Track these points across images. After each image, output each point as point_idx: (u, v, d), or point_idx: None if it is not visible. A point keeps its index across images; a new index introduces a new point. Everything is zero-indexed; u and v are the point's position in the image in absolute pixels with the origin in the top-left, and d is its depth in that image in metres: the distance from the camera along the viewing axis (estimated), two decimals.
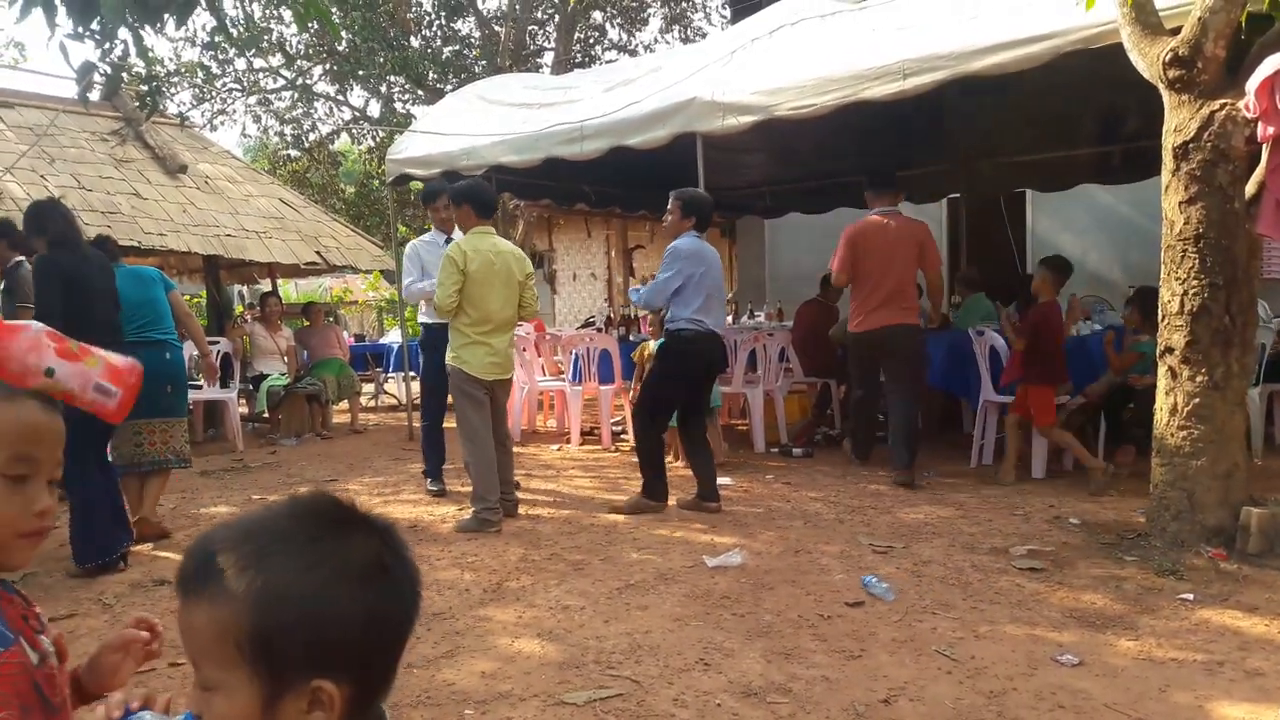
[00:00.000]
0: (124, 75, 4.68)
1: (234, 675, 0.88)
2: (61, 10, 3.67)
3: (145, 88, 5.10)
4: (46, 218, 4.80)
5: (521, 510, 5.77)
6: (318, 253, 10.30)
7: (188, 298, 15.74)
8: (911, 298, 6.45)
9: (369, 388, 12.25)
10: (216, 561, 0.90)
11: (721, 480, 6.41)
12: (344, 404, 10.32)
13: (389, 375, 12.45)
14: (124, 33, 3.99)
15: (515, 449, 8.17)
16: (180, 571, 0.92)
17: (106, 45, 4.04)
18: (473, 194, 5.60)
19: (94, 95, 4.67)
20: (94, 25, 3.75)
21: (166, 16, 3.82)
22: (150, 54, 4.40)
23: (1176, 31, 4.47)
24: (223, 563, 0.89)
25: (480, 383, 5.45)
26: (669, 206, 5.77)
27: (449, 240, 6.18)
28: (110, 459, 5.10)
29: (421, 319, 6.54)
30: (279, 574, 0.88)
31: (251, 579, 0.88)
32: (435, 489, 6.35)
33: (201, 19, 14.65)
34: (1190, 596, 3.84)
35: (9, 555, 1.16)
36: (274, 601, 0.87)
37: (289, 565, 0.89)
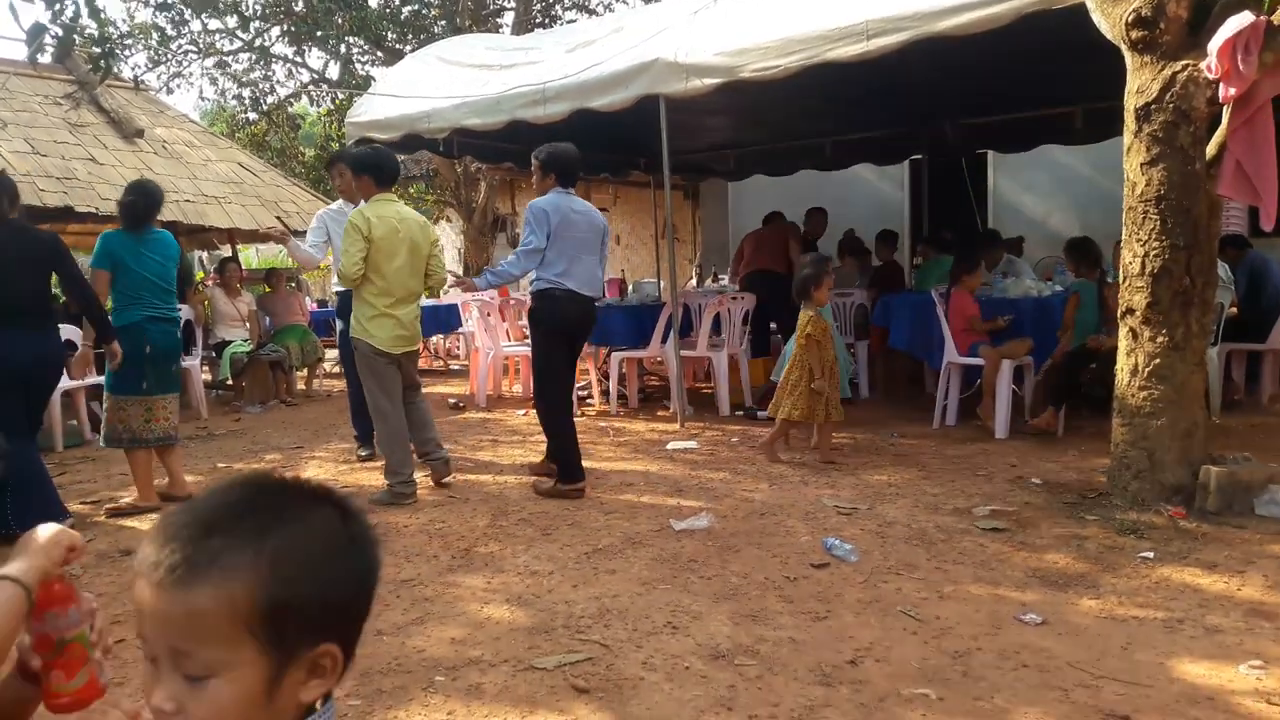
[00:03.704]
0: (76, 37, 4.55)
1: (240, 654, 0.87)
2: None
3: (98, 49, 4.94)
4: None
5: (489, 476, 5.77)
6: (278, 218, 10.13)
7: None
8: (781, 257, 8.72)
9: (332, 353, 12.14)
10: (214, 541, 0.88)
11: (686, 444, 6.46)
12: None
13: None
14: None
15: (481, 415, 8.20)
16: (163, 558, 0.87)
17: (57, 6, 3.92)
18: (372, 164, 5.37)
19: (45, 57, 4.55)
20: None
21: None
22: (102, 15, 4.27)
23: None
24: (223, 542, 0.88)
25: (386, 355, 5.29)
26: (532, 167, 5.49)
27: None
28: (111, 435, 5.23)
29: (336, 286, 6.46)
30: (286, 546, 0.89)
31: (260, 552, 0.88)
32: (365, 454, 6.33)
33: None
34: (1151, 555, 3.91)
35: None
36: (286, 572, 0.88)
37: (292, 537, 0.90)
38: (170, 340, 5.36)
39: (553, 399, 5.43)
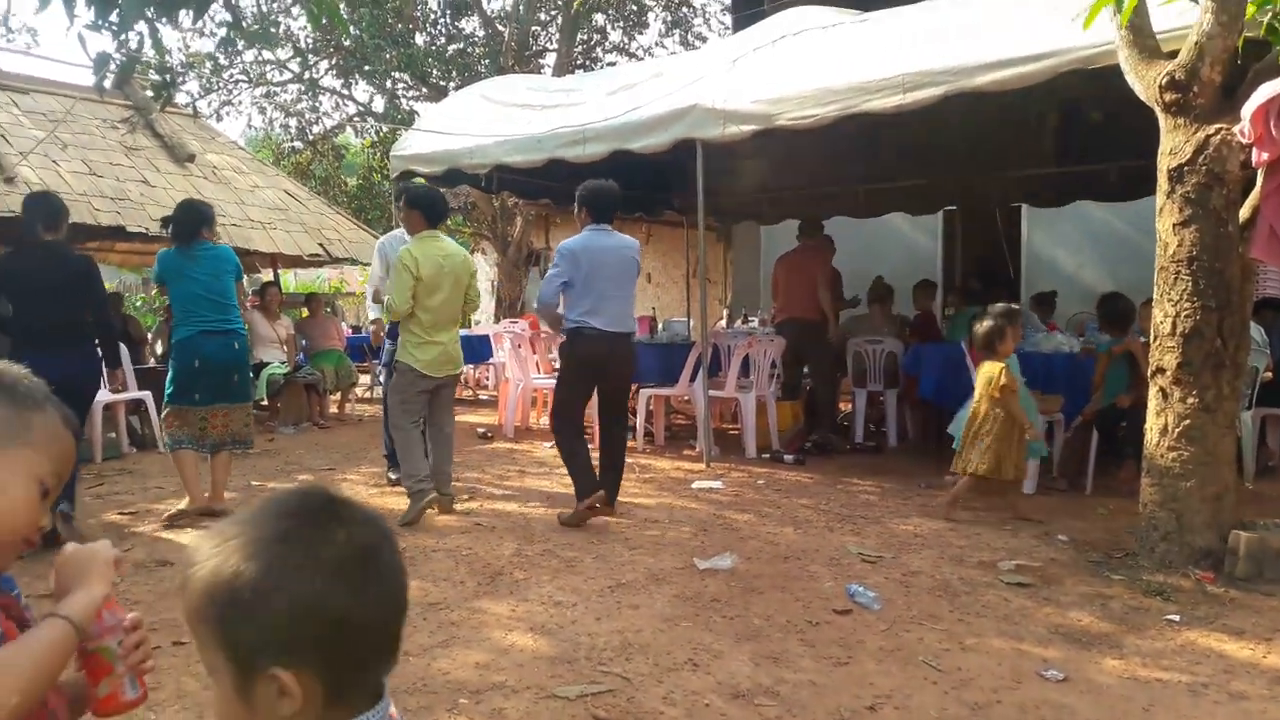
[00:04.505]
0: (136, 65, 4.74)
1: (216, 659, 0.93)
2: (80, 1, 3.72)
3: (158, 78, 5.16)
4: (27, 210, 5.16)
5: (514, 506, 5.84)
6: (320, 245, 10.34)
7: None
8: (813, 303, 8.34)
9: (365, 379, 12.30)
10: (196, 553, 0.95)
11: (712, 484, 6.49)
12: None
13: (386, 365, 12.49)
14: (140, 24, 4.04)
15: (509, 445, 8.28)
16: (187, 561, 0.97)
17: (122, 36, 4.09)
18: (425, 202, 5.71)
19: (107, 83, 4.73)
20: (112, 17, 3.79)
21: (183, 11, 3.86)
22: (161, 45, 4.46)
23: (1173, 55, 4.52)
24: (198, 554, 0.95)
25: (429, 379, 5.59)
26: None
27: None
28: (172, 440, 5.44)
29: (371, 310, 6.87)
30: (228, 563, 0.91)
31: (208, 567, 0.92)
32: (395, 477, 6.39)
33: (213, 11, 14.65)
34: (1176, 617, 3.89)
35: (3, 557, 1.21)
36: (221, 589, 0.91)
37: (238, 554, 0.92)
38: (226, 352, 5.48)
39: (565, 429, 5.58)
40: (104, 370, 5.37)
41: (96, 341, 5.27)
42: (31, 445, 1.19)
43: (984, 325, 5.66)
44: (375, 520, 1.00)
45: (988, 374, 5.59)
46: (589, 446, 5.62)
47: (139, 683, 1.22)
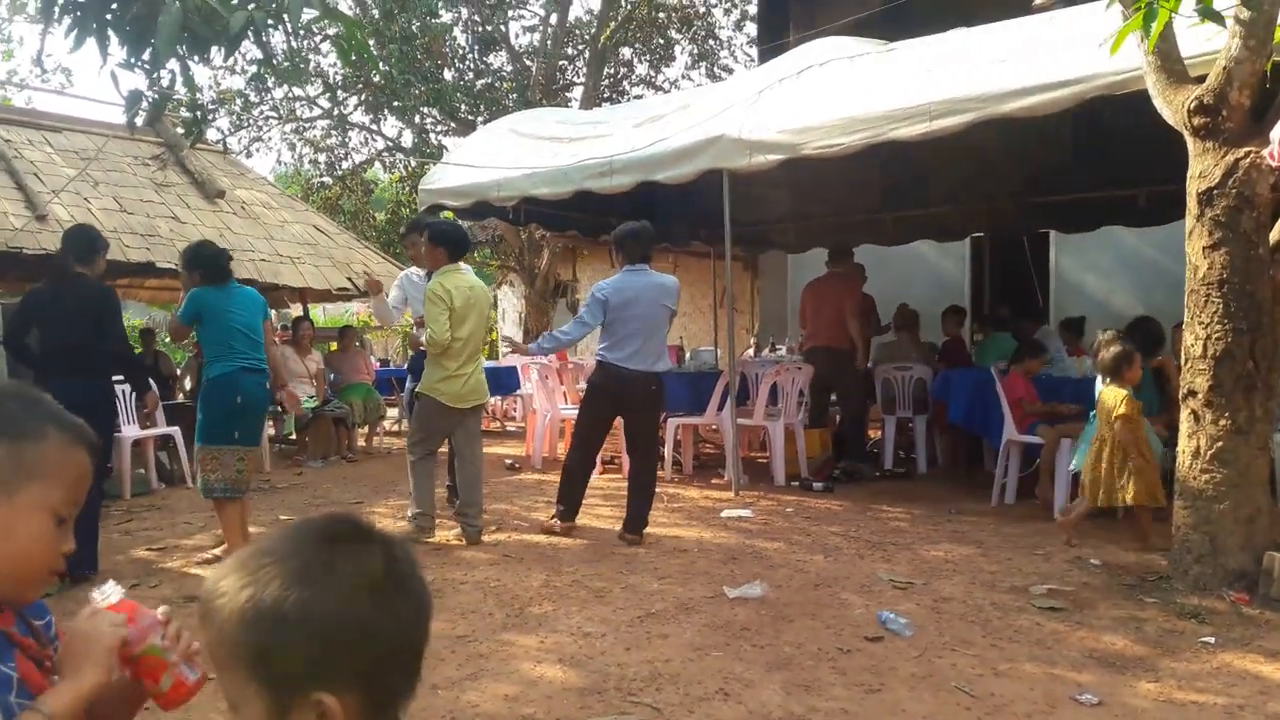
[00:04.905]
0: (168, 102, 4.85)
1: (246, 691, 0.92)
2: (114, 40, 3.81)
3: (189, 115, 5.27)
4: (63, 242, 5.35)
5: (542, 537, 5.84)
6: (349, 279, 10.45)
7: None
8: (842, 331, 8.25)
9: (393, 412, 12.38)
10: (219, 585, 0.94)
11: (741, 512, 6.47)
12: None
13: None
14: (172, 63, 4.13)
15: (537, 476, 8.29)
16: (204, 591, 0.97)
17: (155, 75, 4.18)
18: (450, 239, 5.80)
19: (139, 121, 4.84)
20: (145, 56, 3.88)
21: (215, 49, 3.95)
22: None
23: (1201, 79, 4.52)
24: (223, 585, 0.94)
25: (455, 411, 5.69)
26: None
27: (429, 275, 6.29)
28: (206, 486, 5.28)
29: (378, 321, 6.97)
30: (268, 591, 0.91)
31: (243, 597, 0.92)
32: (413, 514, 6.33)
33: (244, 49, 14.92)
34: (1212, 640, 3.84)
35: (30, 590, 1.19)
36: (263, 617, 0.90)
37: (277, 582, 0.91)
38: (261, 391, 5.46)
39: (577, 449, 6.01)
40: (127, 400, 5.45)
41: (118, 373, 5.34)
42: (36, 478, 1.14)
43: (1112, 351, 5.48)
44: (399, 540, 1.02)
45: (1110, 403, 5.39)
46: (590, 481, 6.11)
47: (194, 665, 1.23)
